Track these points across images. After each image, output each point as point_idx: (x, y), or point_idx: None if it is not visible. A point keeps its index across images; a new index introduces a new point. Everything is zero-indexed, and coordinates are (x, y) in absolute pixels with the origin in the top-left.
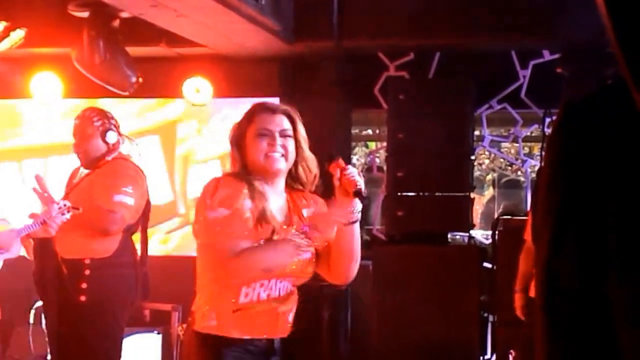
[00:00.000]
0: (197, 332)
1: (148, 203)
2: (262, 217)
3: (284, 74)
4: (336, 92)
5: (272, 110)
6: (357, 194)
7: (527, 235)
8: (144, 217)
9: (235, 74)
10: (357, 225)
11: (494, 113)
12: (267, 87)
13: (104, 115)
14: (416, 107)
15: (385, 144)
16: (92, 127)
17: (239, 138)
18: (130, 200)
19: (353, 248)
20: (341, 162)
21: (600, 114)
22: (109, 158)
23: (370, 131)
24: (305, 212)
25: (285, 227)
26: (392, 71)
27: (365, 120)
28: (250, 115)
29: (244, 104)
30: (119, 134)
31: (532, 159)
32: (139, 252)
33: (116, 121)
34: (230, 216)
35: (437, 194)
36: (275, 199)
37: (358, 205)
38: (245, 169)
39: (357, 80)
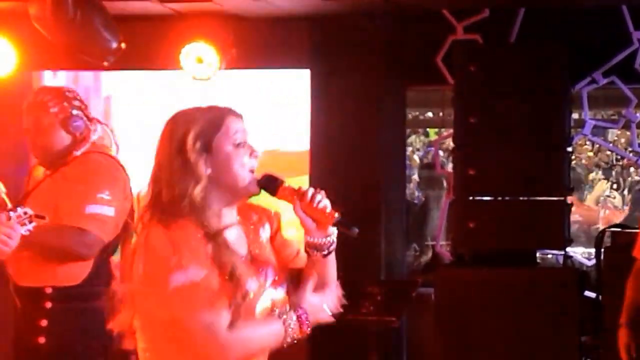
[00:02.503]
0: None
1: (132, 211)
2: (232, 276)
3: (316, 38)
4: (385, 62)
5: (238, 115)
6: (339, 224)
7: (638, 252)
8: (126, 231)
9: (250, 38)
10: (333, 254)
11: (599, 90)
12: (293, 56)
13: (61, 96)
14: (493, 82)
15: (451, 131)
16: (48, 116)
17: (206, 146)
18: (108, 211)
19: (331, 279)
20: (295, 188)
21: None
22: (77, 153)
23: (431, 114)
24: (262, 234)
25: (257, 283)
26: (460, 34)
27: (424, 100)
28: (219, 119)
29: (262, 78)
30: (88, 118)
31: None
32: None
33: (81, 101)
34: (206, 278)
35: (521, 198)
36: (232, 230)
37: (333, 231)
38: (206, 190)
39: (414, 46)
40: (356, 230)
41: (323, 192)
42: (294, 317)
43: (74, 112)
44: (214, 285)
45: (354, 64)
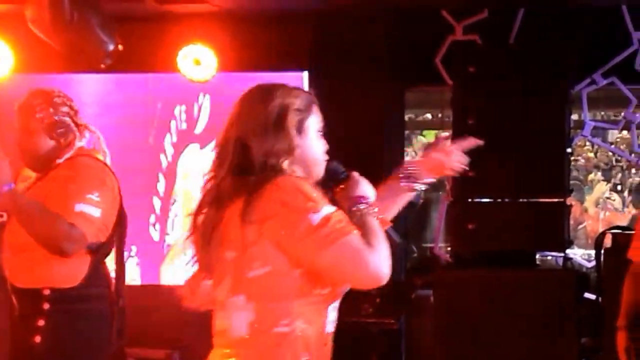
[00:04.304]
0: None
1: (123, 215)
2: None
3: (314, 40)
4: (384, 63)
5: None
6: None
7: (634, 253)
8: (119, 234)
9: (247, 39)
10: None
11: (599, 91)
12: (291, 58)
13: (49, 101)
14: (492, 82)
15: (450, 132)
16: (34, 121)
17: (300, 125)
18: (95, 212)
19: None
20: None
21: None
22: (60, 160)
23: (429, 115)
24: None
25: None
26: (459, 35)
27: (423, 101)
28: (309, 105)
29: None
30: (76, 124)
31: None
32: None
33: (71, 107)
34: (338, 210)
35: (520, 200)
36: None
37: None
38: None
39: (413, 47)
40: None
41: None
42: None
43: (60, 118)
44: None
45: (352, 65)
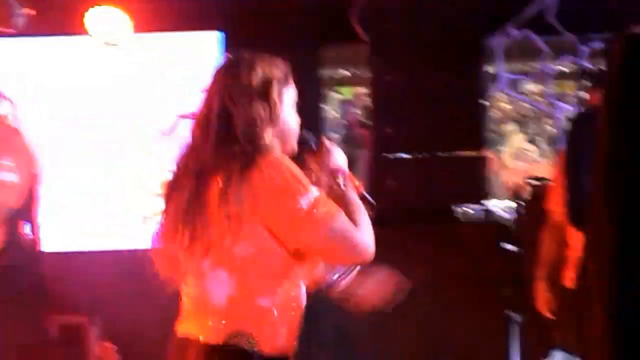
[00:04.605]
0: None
1: (37, 178)
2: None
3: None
4: (298, 21)
5: None
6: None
7: (553, 204)
8: (33, 198)
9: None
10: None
11: (513, 42)
12: (204, 19)
13: None
14: (407, 38)
15: (367, 90)
16: None
17: (280, 96)
18: (11, 177)
19: None
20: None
21: None
22: None
23: (346, 72)
24: None
25: None
26: None
27: (338, 58)
28: (287, 76)
29: (175, 42)
30: None
31: (565, 102)
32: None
33: None
34: (321, 190)
35: (439, 154)
36: None
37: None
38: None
39: (328, 4)
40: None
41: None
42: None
43: None
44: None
45: (266, 25)
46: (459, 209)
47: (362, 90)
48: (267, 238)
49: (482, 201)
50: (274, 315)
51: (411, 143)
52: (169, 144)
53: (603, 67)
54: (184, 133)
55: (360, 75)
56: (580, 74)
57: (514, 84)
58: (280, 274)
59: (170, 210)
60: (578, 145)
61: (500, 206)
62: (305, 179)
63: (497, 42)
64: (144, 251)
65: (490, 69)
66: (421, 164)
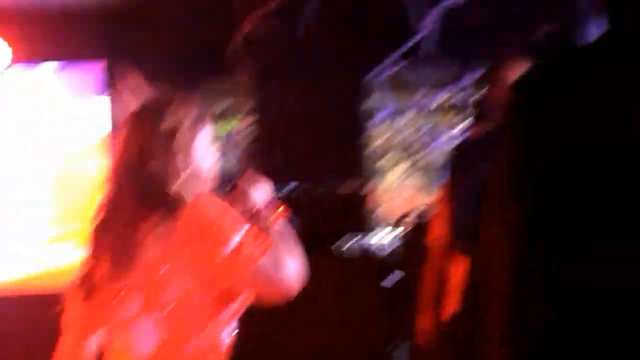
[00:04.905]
0: None
1: None
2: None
3: (113, 28)
4: (179, 55)
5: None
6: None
7: (435, 235)
8: None
9: (44, 30)
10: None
11: (393, 74)
12: (87, 47)
13: None
14: (286, 73)
15: (247, 121)
16: None
17: (190, 142)
18: None
19: None
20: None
21: (583, 86)
22: None
23: (224, 105)
24: None
25: None
26: (255, 23)
27: (219, 90)
28: (200, 116)
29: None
30: None
31: (446, 133)
32: None
33: None
34: (250, 228)
35: (321, 186)
36: None
37: None
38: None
39: (208, 37)
40: None
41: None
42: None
43: None
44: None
45: (149, 56)
46: (340, 242)
47: (241, 123)
48: (197, 280)
49: (364, 233)
50: (205, 356)
51: (293, 174)
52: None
53: (483, 97)
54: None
55: (239, 108)
56: (461, 105)
57: (394, 116)
58: (211, 315)
59: (92, 259)
60: (458, 176)
61: (382, 238)
62: (230, 217)
63: (379, 73)
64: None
65: (372, 100)
66: (301, 195)
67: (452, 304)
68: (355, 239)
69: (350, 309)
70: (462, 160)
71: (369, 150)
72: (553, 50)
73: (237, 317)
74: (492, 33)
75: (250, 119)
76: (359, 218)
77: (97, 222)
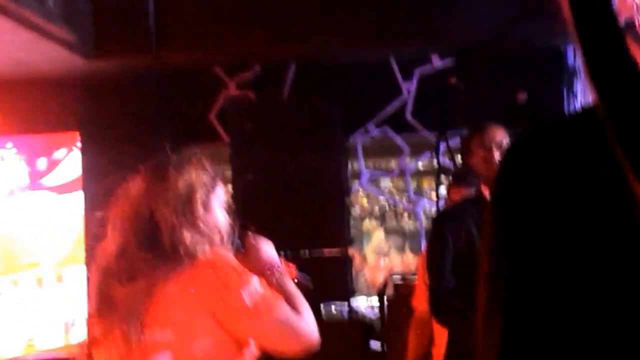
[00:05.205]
0: None
1: None
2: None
3: (83, 101)
4: (157, 123)
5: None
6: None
7: (417, 301)
8: None
9: (14, 103)
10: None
11: (373, 140)
12: (60, 119)
13: None
14: (268, 137)
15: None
16: None
17: (205, 202)
18: None
19: None
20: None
21: (559, 160)
22: None
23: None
24: None
25: None
26: (232, 90)
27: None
28: (214, 179)
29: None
30: None
31: (424, 197)
32: None
33: None
34: (261, 281)
35: (303, 253)
36: None
37: None
38: None
39: (187, 104)
40: None
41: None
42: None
43: None
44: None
45: (124, 126)
46: (323, 307)
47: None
48: (219, 331)
49: (347, 299)
50: None
51: (274, 242)
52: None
53: (462, 163)
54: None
55: (222, 174)
56: (438, 171)
57: (373, 181)
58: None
59: (99, 316)
60: (439, 242)
61: (365, 304)
62: (244, 272)
63: (358, 139)
64: None
65: (351, 166)
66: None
67: None
68: (339, 305)
69: None
70: (440, 226)
71: (350, 216)
72: (536, 122)
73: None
74: (469, 99)
75: (232, 186)
76: (343, 284)
77: (102, 276)
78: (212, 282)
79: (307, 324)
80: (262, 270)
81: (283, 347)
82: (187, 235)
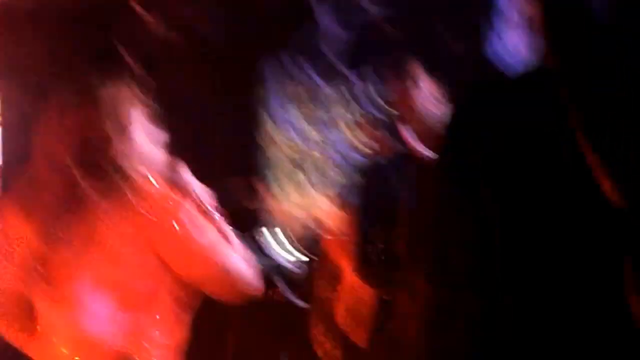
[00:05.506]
0: None
1: None
2: None
3: None
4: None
5: None
6: None
7: (342, 257)
8: None
9: None
10: None
11: (301, 89)
12: None
13: None
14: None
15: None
16: None
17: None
18: None
19: None
20: None
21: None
22: None
23: None
24: None
25: None
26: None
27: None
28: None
29: None
30: None
31: (351, 150)
32: None
33: None
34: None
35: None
36: None
37: None
38: None
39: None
40: None
41: None
42: None
43: None
44: None
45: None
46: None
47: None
48: (146, 262)
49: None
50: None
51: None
52: None
53: (391, 115)
54: None
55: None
56: (367, 121)
57: (298, 130)
58: (162, 299)
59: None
60: (368, 196)
61: (289, 260)
62: (174, 198)
63: (271, 70)
64: None
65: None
66: None
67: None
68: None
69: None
70: (369, 180)
71: (267, 152)
72: (480, 79)
73: (190, 309)
74: (401, 49)
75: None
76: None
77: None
78: (145, 204)
79: (243, 270)
80: (188, 196)
81: (220, 289)
82: (118, 153)
